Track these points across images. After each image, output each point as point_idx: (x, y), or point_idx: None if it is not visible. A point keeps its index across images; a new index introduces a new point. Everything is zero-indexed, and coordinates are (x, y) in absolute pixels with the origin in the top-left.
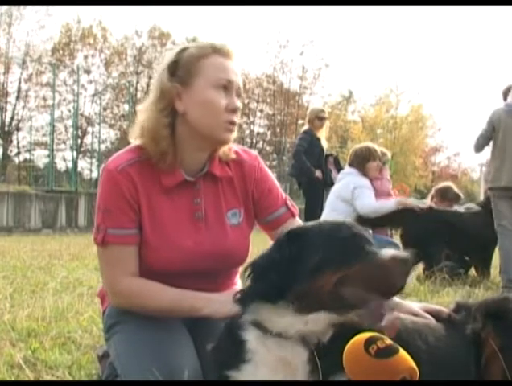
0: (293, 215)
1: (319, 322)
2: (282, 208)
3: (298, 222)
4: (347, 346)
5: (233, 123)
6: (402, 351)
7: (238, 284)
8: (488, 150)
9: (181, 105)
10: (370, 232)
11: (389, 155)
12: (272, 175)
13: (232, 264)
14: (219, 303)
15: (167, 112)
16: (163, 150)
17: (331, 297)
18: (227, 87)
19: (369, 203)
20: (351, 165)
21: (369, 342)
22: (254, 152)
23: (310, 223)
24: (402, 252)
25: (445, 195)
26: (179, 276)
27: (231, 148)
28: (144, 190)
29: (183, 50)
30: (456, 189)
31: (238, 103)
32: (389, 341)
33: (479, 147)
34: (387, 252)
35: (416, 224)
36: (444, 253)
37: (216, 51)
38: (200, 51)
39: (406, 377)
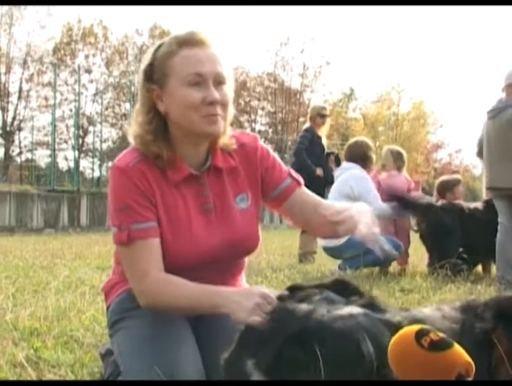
0: (299, 184)
1: None
2: (287, 179)
3: (305, 191)
4: (394, 339)
5: (214, 115)
6: (457, 345)
7: (243, 279)
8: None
9: (162, 106)
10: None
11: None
12: (273, 152)
13: (244, 251)
14: (236, 304)
15: (151, 116)
16: (155, 153)
17: None
18: (199, 80)
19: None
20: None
21: (420, 334)
22: (253, 133)
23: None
24: None
25: (444, 188)
26: (192, 269)
27: (231, 137)
28: (156, 184)
29: (157, 49)
30: (448, 177)
31: (216, 94)
32: (442, 334)
33: (478, 152)
34: None
35: (436, 219)
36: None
37: (183, 44)
38: (168, 49)
39: (462, 372)
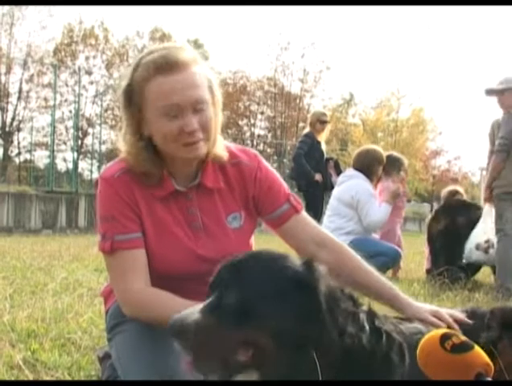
0: (297, 211)
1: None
2: (284, 205)
3: (303, 217)
4: (422, 342)
5: (194, 143)
6: (477, 348)
7: None
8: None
9: (146, 130)
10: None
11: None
12: (274, 172)
13: None
14: None
15: (138, 137)
16: (148, 172)
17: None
18: (176, 110)
19: (376, 219)
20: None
21: (444, 338)
22: (253, 151)
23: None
24: (181, 318)
25: (450, 196)
26: (182, 279)
27: (224, 149)
28: (141, 196)
29: (136, 68)
30: (449, 188)
31: (194, 123)
32: (464, 337)
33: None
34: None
35: (457, 222)
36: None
37: (158, 70)
38: (143, 74)
39: (482, 372)
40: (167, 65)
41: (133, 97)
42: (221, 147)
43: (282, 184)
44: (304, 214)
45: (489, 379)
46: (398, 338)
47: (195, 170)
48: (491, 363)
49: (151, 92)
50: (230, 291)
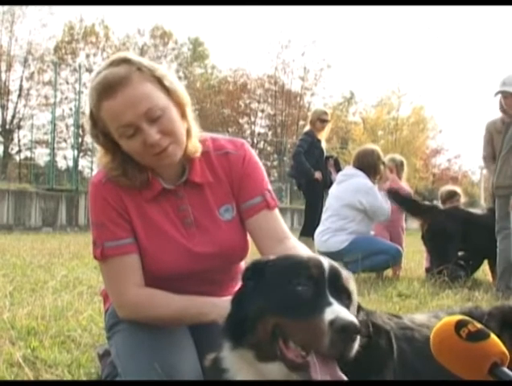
0: (268, 207)
1: (275, 374)
2: (257, 198)
3: (273, 215)
4: (435, 328)
5: (162, 151)
6: (493, 336)
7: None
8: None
9: (122, 147)
10: (372, 233)
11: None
12: (259, 163)
13: (233, 260)
14: (225, 309)
15: (111, 156)
16: (127, 185)
17: (271, 348)
18: (131, 128)
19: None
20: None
21: (459, 325)
22: (241, 140)
23: (274, 256)
24: (348, 317)
25: (448, 197)
26: (181, 279)
27: (200, 141)
28: (130, 199)
29: (89, 94)
30: (449, 188)
31: (153, 135)
32: (479, 325)
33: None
34: (332, 313)
35: (440, 222)
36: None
37: (101, 96)
38: (94, 102)
39: (497, 361)
40: (108, 87)
41: (97, 122)
42: (196, 139)
43: (264, 178)
44: (276, 212)
45: (505, 368)
46: (384, 327)
47: (181, 167)
48: (507, 352)
49: (104, 118)
50: (342, 296)
